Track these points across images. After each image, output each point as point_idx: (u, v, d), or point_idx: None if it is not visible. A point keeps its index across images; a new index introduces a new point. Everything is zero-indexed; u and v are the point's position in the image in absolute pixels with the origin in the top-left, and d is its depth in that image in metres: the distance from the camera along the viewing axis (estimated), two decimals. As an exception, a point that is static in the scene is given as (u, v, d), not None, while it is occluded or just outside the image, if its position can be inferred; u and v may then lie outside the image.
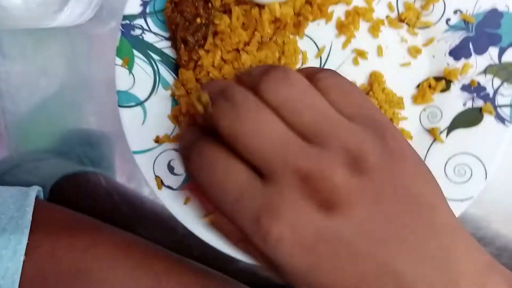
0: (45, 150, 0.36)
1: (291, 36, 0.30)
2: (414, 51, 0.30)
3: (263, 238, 0.19)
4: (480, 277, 0.19)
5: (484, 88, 0.29)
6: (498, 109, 0.29)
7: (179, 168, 0.31)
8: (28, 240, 0.28)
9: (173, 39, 0.29)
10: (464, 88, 0.30)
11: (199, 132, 0.23)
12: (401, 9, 0.30)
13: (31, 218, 0.29)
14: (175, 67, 0.30)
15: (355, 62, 0.30)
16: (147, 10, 0.30)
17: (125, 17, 0.30)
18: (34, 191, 0.30)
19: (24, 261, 0.27)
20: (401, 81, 0.30)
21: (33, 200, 0.30)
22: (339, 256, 0.19)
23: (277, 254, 0.19)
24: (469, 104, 0.29)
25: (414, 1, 0.30)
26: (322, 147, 0.19)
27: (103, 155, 0.37)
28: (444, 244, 0.19)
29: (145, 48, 0.30)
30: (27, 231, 0.28)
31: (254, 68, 0.22)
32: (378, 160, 0.19)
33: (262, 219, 0.18)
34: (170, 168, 0.31)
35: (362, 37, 0.30)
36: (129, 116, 0.30)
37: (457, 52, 0.30)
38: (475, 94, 0.29)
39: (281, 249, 0.19)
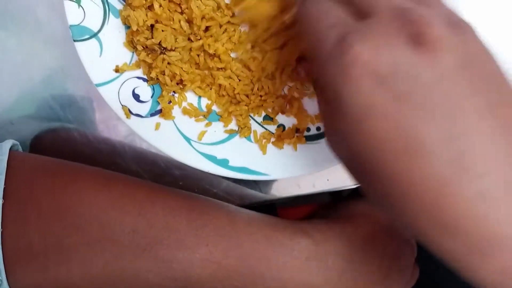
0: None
1: None
2: None
3: (339, 54, 0.18)
4: None
5: None
6: None
7: (144, 95, 0.30)
8: (5, 185, 0.28)
9: (114, -37, 0.29)
10: None
11: None
12: None
13: (5, 166, 0.29)
14: (122, -8, 0.30)
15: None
16: None
17: (65, -48, 0.29)
18: (8, 143, 0.30)
19: (3, 204, 0.27)
20: None
21: (7, 149, 0.29)
22: (407, 100, 0.17)
23: (344, 78, 0.18)
24: None
25: None
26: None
27: (84, 114, 0.36)
28: None
29: (90, -21, 0.29)
30: (2, 177, 0.28)
31: None
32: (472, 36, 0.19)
33: (348, 37, 0.18)
34: (136, 96, 0.30)
35: None
36: (86, 50, 0.29)
37: None
38: None
39: (351, 71, 0.18)
